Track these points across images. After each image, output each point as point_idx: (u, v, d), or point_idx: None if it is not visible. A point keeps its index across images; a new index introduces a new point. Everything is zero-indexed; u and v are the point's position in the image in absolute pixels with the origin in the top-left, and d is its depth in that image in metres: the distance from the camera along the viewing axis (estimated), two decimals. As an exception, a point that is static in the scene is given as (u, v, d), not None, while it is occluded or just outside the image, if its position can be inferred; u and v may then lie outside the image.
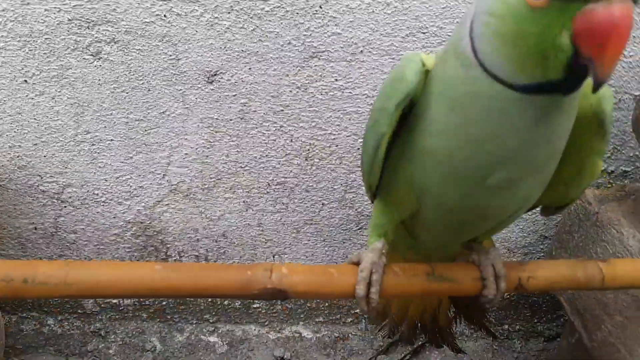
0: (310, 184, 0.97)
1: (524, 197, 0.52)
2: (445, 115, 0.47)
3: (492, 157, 0.46)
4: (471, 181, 0.49)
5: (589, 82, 0.52)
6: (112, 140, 0.92)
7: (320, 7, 0.84)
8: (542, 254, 1.05)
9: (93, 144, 0.93)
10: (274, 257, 1.05)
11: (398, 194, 0.56)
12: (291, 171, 0.96)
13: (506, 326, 1.15)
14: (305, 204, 0.99)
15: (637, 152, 0.94)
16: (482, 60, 0.43)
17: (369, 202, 0.91)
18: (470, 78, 0.44)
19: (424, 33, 0.86)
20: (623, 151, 0.95)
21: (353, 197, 0.99)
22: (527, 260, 0.64)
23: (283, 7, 0.83)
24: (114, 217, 1.00)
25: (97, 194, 0.97)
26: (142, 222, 1.00)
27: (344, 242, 1.04)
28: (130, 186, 0.97)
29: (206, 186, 0.97)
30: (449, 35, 0.85)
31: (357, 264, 0.59)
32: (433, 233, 0.60)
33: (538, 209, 0.63)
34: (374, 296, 0.58)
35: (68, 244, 1.03)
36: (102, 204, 0.98)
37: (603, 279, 0.65)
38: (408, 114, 0.53)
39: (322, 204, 0.99)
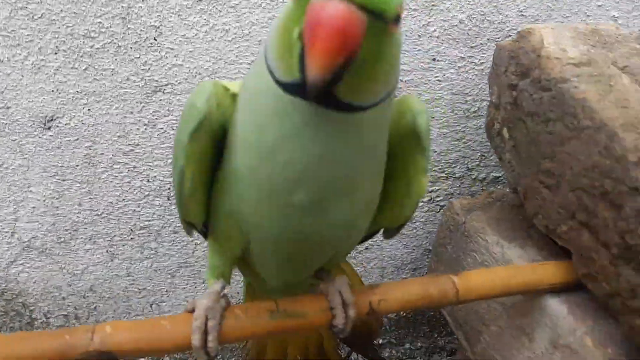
0: (178, 225, 0.92)
1: (343, 221, 0.49)
2: (247, 128, 0.45)
3: (288, 172, 0.44)
4: (279, 201, 0.46)
5: (404, 99, 0.50)
6: (-53, 201, 0.84)
7: (155, 39, 0.79)
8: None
9: None
10: (151, 306, 0.98)
11: (225, 229, 0.53)
12: (154, 213, 0.90)
13: (407, 345, 1.12)
14: (176, 246, 0.93)
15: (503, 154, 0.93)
16: (267, 61, 0.41)
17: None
18: (261, 82, 0.42)
19: (270, 57, 0.82)
20: (490, 157, 0.94)
21: (226, 233, 0.94)
22: (379, 283, 0.61)
23: (114, 43, 0.78)
24: (-35, 285, 0.91)
25: (-59, 262, 0.89)
26: (-3, 287, 0.92)
27: (225, 281, 0.98)
28: (-23, 249, 0.88)
29: (62, 239, 0.89)
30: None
31: (193, 311, 0.54)
32: (271, 268, 0.56)
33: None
34: (211, 344, 0.53)
35: None
36: (-52, 271, 0.90)
37: (457, 293, 0.63)
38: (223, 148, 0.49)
39: (195, 244, 0.94)
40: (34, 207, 0.86)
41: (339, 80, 0.37)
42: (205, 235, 0.58)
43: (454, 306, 0.85)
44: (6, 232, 0.87)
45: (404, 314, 1.08)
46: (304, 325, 0.59)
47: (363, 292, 0.61)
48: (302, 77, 0.37)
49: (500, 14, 0.85)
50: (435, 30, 0.85)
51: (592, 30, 0.74)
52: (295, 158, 0.42)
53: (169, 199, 0.89)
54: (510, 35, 0.86)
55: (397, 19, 0.37)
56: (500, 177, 0.96)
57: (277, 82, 0.40)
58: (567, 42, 0.70)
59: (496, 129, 0.78)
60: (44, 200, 0.86)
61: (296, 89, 0.39)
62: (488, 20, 0.85)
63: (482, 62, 0.88)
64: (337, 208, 0.47)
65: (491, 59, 0.84)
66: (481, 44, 0.87)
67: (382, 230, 0.62)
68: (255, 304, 0.58)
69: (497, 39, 0.86)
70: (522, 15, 0.86)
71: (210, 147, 0.49)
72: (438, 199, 0.97)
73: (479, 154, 0.94)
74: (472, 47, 0.87)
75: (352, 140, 0.43)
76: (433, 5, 0.83)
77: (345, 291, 0.58)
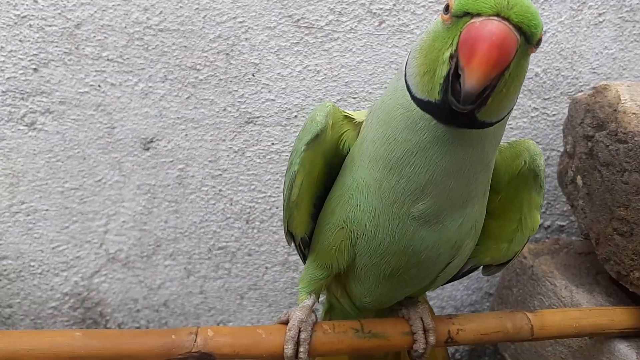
0: (253, 247, 0.97)
1: (452, 239, 0.53)
2: (375, 139, 0.50)
3: (413, 183, 0.48)
4: (402, 213, 0.50)
5: (520, 142, 0.55)
6: (47, 210, 0.91)
7: (253, 75, 0.86)
8: (488, 311, 1.05)
9: (28, 215, 0.91)
10: (218, 325, 1.02)
11: (333, 242, 0.56)
12: (232, 235, 0.96)
13: (460, 388, 1.13)
14: (248, 268, 0.98)
15: (569, 206, 0.96)
16: (407, 77, 0.47)
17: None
18: (396, 97, 0.47)
19: (354, 98, 0.89)
20: (557, 206, 0.97)
21: (297, 259, 0.99)
22: (457, 314, 0.65)
23: (216, 76, 0.86)
24: (51, 290, 0.97)
25: (33, 266, 0.95)
26: (79, 294, 0.98)
27: (290, 306, 1.02)
28: (67, 257, 0.95)
29: (145, 254, 0.95)
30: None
31: (287, 322, 0.59)
32: (369, 284, 0.59)
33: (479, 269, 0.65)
34: (302, 356, 0.57)
35: (3, 319, 0.99)
36: (38, 276, 0.96)
37: (532, 329, 0.66)
38: (336, 168, 0.55)
39: (266, 268, 0.99)
40: (123, 222, 0.93)
41: (485, 104, 0.42)
42: (301, 250, 0.63)
43: (517, 347, 0.87)
44: (95, 242, 0.94)
45: (467, 349, 1.09)
46: (386, 347, 0.63)
47: (442, 320, 0.64)
48: (442, 99, 0.42)
49: (574, 70, 0.90)
50: (510, 82, 0.90)
51: (666, 89, 0.78)
52: (422, 171, 0.47)
53: (247, 222, 0.95)
54: (582, 90, 0.91)
55: (538, 42, 0.42)
56: (564, 225, 0.99)
57: (413, 97, 0.45)
58: (644, 99, 0.74)
59: (570, 177, 0.82)
60: (134, 216, 0.93)
61: (431, 107, 0.44)
62: (562, 75, 0.90)
63: (554, 114, 0.92)
64: (450, 222, 0.51)
65: (563, 111, 0.89)
66: (554, 96, 0.91)
67: (482, 268, 0.65)
68: (341, 322, 0.62)
69: (570, 93, 0.91)
70: (595, 72, 0.91)
71: (321, 162, 0.55)
72: (501, 243, 1.00)
73: (546, 201, 0.97)
74: (545, 99, 0.91)
75: (474, 154, 0.48)
76: (511, 58, 0.88)
77: (426, 318, 0.62)
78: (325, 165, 0.56)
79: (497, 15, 0.40)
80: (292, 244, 0.62)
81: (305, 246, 0.62)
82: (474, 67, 0.39)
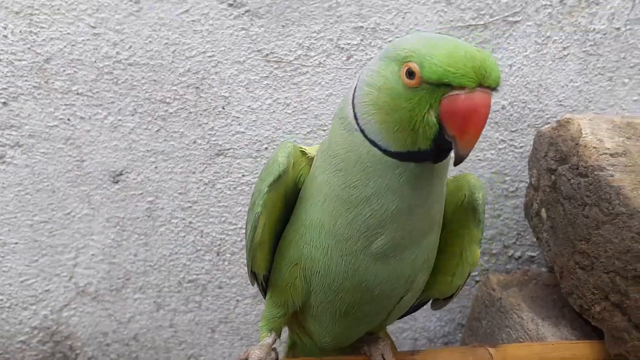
0: (224, 280, 0.97)
1: (406, 273, 0.54)
2: (330, 181, 0.50)
3: (374, 220, 0.49)
4: (356, 249, 0.51)
5: (461, 176, 0.56)
6: (16, 243, 0.91)
7: (223, 107, 0.87)
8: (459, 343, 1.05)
9: (-4, 248, 0.91)
10: (189, 359, 1.01)
11: (288, 279, 0.56)
12: (203, 268, 0.95)
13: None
14: (219, 301, 0.98)
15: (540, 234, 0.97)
16: (362, 126, 0.47)
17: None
18: (352, 142, 0.48)
19: (324, 130, 0.90)
20: (527, 237, 0.98)
21: (268, 292, 0.98)
22: (417, 349, 0.65)
23: (186, 109, 0.87)
24: (20, 324, 0.96)
25: (2, 300, 0.94)
26: (49, 328, 0.97)
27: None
28: (36, 290, 0.94)
29: (114, 287, 0.95)
30: (348, 131, 0.89)
31: (245, 360, 0.58)
32: (327, 322, 0.59)
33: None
34: (261, 395, 0.57)
35: (-30, 355, 0.98)
36: (6, 309, 0.95)
37: (494, 365, 0.66)
38: (294, 204, 0.55)
39: (237, 301, 0.98)
40: (93, 255, 0.93)
41: None
42: (264, 290, 0.63)
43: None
44: (64, 275, 0.93)
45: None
46: (345, 385, 0.62)
47: (404, 356, 0.64)
48: (432, 146, 0.44)
49: (540, 102, 0.92)
50: (478, 115, 0.91)
51: (627, 123, 0.80)
52: (385, 208, 0.48)
53: (218, 254, 0.94)
54: (549, 122, 0.92)
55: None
56: (535, 256, 0.99)
57: (384, 151, 0.46)
58: (604, 134, 0.75)
59: (535, 210, 0.83)
60: (103, 249, 0.92)
61: (412, 155, 0.46)
62: (529, 107, 0.92)
63: (521, 146, 0.93)
64: (407, 256, 0.52)
65: (530, 143, 0.90)
66: (521, 128, 0.93)
67: (430, 302, 0.66)
68: (302, 359, 0.62)
69: (537, 125, 0.92)
70: (561, 105, 0.92)
71: (281, 201, 0.55)
72: (474, 274, 1.00)
73: (516, 232, 0.98)
74: (512, 131, 0.92)
75: (426, 187, 0.49)
76: (477, 92, 0.90)
77: (387, 354, 0.62)
78: (284, 202, 0.57)
79: (480, 85, 0.42)
80: (255, 284, 0.62)
81: (267, 284, 0.62)
82: (467, 138, 0.42)
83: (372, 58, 0.86)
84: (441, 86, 0.42)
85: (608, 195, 0.68)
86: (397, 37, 0.86)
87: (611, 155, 0.71)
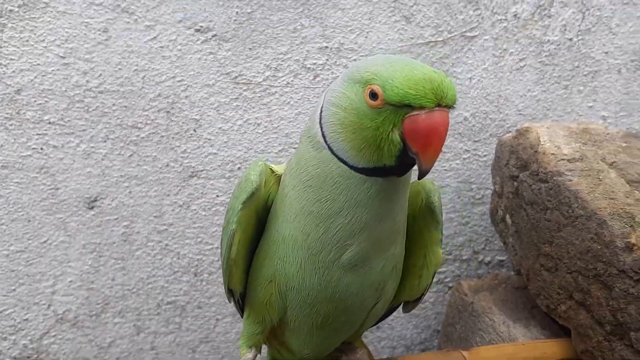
0: (202, 300, 0.98)
1: (376, 281, 0.56)
2: (301, 197, 0.52)
3: (344, 232, 0.51)
4: (328, 261, 0.53)
5: (417, 182, 0.59)
6: (-8, 274, 0.91)
7: (195, 130, 0.89)
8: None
9: (-28, 280, 0.91)
10: (172, 379, 1.02)
11: (264, 296, 0.58)
12: (181, 289, 0.96)
13: None
14: (199, 321, 0.99)
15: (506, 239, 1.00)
16: (330, 144, 0.50)
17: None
18: (321, 159, 0.51)
19: (294, 148, 0.92)
20: (495, 242, 1.01)
21: (247, 309, 0.99)
22: (394, 356, 0.67)
23: (158, 133, 0.88)
24: (-2, 354, 0.96)
25: (-21, 332, 0.94)
26: (29, 357, 0.96)
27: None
28: (15, 320, 0.94)
29: (94, 312, 0.95)
30: (318, 148, 0.92)
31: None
32: (303, 335, 0.61)
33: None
34: (244, 410, 0.58)
35: (-52, 389, 0.97)
36: (-16, 341, 0.95)
37: (467, 367, 0.68)
38: (265, 222, 0.57)
39: (217, 320, 0.99)
40: (71, 281, 0.93)
41: None
42: (240, 307, 0.64)
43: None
44: (43, 304, 0.94)
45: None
46: (325, 395, 0.64)
47: (381, 363, 0.66)
48: (397, 162, 0.47)
49: (501, 112, 0.95)
50: (442, 127, 0.94)
51: (583, 129, 0.84)
52: (354, 221, 0.51)
53: (195, 275, 0.96)
54: (510, 131, 0.96)
55: None
56: (504, 260, 1.03)
57: (352, 167, 0.49)
58: (561, 140, 0.79)
59: (500, 216, 0.86)
60: (81, 275, 0.93)
61: (378, 170, 0.48)
62: (490, 118, 0.95)
63: (485, 155, 0.97)
64: (376, 265, 0.54)
65: (492, 151, 0.93)
66: (484, 138, 0.96)
67: (402, 306, 0.68)
68: (280, 373, 0.64)
69: (499, 134, 0.96)
70: (521, 114, 0.96)
71: (254, 218, 0.57)
72: (446, 280, 1.03)
73: (484, 238, 1.01)
74: (475, 141, 0.96)
75: (392, 198, 0.52)
76: (441, 104, 0.93)
77: None
78: (257, 220, 0.59)
79: (438, 105, 0.45)
80: (232, 301, 0.63)
81: (243, 301, 0.63)
82: (429, 154, 0.45)
83: (337, 77, 0.89)
84: (403, 107, 0.45)
85: (567, 199, 0.71)
86: (361, 57, 0.89)
87: (568, 160, 0.75)
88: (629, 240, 0.62)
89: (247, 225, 0.57)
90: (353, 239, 0.52)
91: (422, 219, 0.60)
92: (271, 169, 0.58)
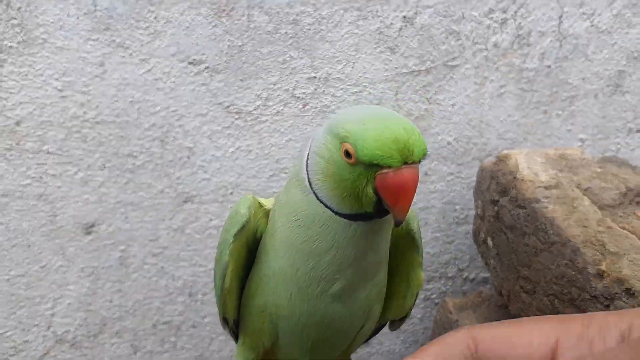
0: (197, 320, 1.01)
1: (363, 306, 0.60)
2: (290, 234, 0.56)
3: (332, 267, 0.54)
4: (316, 293, 0.56)
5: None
6: (-8, 298, 0.94)
7: (188, 157, 0.92)
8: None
9: (-27, 304, 0.94)
10: (168, 396, 1.05)
11: (256, 324, 0.61)
12: (176, 309, 1.00)
13: None
14: (194, 340, 1.02)
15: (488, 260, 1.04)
16: (315, 191, 0.53)
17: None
18: (309, 203, 0.54)
19: (285, 173, 0.96)
20: (479, 260, 1.05)
21: (240, 327, 1.03)
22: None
23: (153, 161, 0.91)
24: (-1, 375, 0.99)
25: (-20, 353, 0.97)
26: (28, 377, 0.99)
27: (237, 373, 1.06)
28: (15, 341, 0.97)
29: (91, 333, 0.98)
30: (308, 173, 0.96)
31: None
32: (295, 358, 0.65)
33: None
34: None
35: (-51, 409, 1.00)
36: (-15, 363, 0.98)
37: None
38: (255, 255, 0.61)
39: (211, 338, 1.03)
40: (69, 304, 0.96)
41: None
42: (235, 334, 0.68)
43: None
44: (42, 325, 0.97)
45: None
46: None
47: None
48: (375, 211, 0.50)
49: (483, 136, 1.00)
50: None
51: (560, 155, 0.88)
52: (341, 257, 0.54)
53: (190, 295, 0.99)
54: (492, 154, 1.00)
55: None
56: (488, 277, 1.07)
57: (337, 213, 0.52)
58: (538, 167, 0.83)
59: (482, 237, 0.90)
60: (79, 298, 0.96)
61: (360, 216, 0.51)
62: (472, 142, 0.99)
63: (468, 177, 1.01)
64: (363, 293, 0.58)
65: (475, 174, 0.97)
66: (467, 161, 1.00)
67: (388, 325, 0.72)
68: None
69: (481, 158, 1.00)
70: (502, 138, 1.00)
71: (244, 249, 0.61)
72: (433, 297, 1.07)
73: (469, 256, 1.05)
74: (459, 164, 1.00)
75: (376, 235, 0.55)
76: (425, 130, 0.97)
77: None
78: (247, 250, 0.62)
79: (405, 163, 0.47)
80: (226, 329, 0.67)
81: (237, 327, 0.67)
82: (400, 207, 0.48)
83: (326, 105, 0.93)
84: (373, 165, 0.48)
85: (544, 226, 0.75)
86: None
87: (545, 188, 0.79)
88: (600, 267, 0.66)
89: (239, 257, 0.60)
90: (340, 274, 0.55)
91: (403, 244, 0.64)
92: (259, 203, 0.61)
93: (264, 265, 0.59)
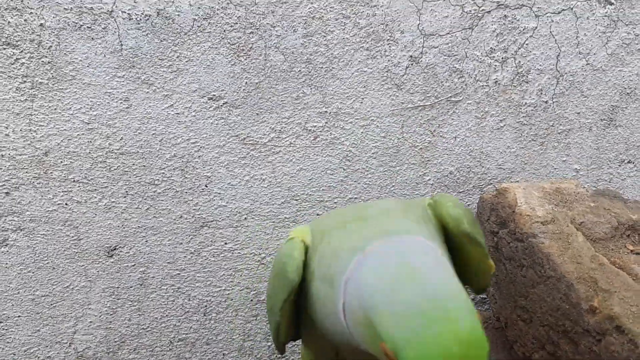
0: (210, 337, 1.07)
1: None
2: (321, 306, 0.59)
3: None
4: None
5: (440, 207, 0.64)
6: (19, 316, 0.99)
7: (206, 185, 0.98)
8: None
9: (0, 322, 0.99)
10: (181, 408, 1.11)
11: (318, 342, 0.67)
12: (191, 327, 1.05)
13: None
14: (207, 356, 1.08)
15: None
16: (350, 329, 0.53)
17: (267, 348, 1.02)
18: (343, 333, 0.56)
19: (296, 200, 1.01)
20: (477, 282, 1.11)
21: (251, 344, 1.09)
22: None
23: (173, 189, 0.97)
24: (22, 388, 1.04)
25: (4, 368, 1.02)
26: (50, 390, 1.05)
27: (247, 387, 1.12)
28: (38, 357, 1.02)
29: (111, 350, 1.04)
30: (318, 199, 1.01)
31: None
32: None
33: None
34: None
35: (-26, 420, 1.05)
36: (9, 376, 1.03)
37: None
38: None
39: (223, 355, 1.08)
40: (90, 322, 1.02)
41: None
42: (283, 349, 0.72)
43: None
44: (65, 342, 1.02)
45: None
46: None
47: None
48: None
49: (483, 167, 1.05)
50: (430, 179, 1.04)
51: (555, 189, 0.94)
52: None
53: (204, 314, 1.05)
54: (491, 183, 1.06)
55: None
56: (486, 298, 1.13)
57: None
58: (535, 202, 0.89)
59: (481, 266, 0.96)
60: (100, 316, 1.01)
61: None
62: (473, 171, 1.05)
63: (468, 204, 1.07)
64: None
65: (475, 201, 1.03)
66: (467, 190, 1.06)
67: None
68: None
69: (481, 186, 1.06)
70: (501, 168, 1.06)
71: (293, 298, 0.63)
72: (433, 317, 1.12)
73: (468, 279, 1.11)
74: (460, 192, 1.06)
75: None
76: (428, 160, 1.03)
77: None
78: (295, 294, 0.64)
79: None
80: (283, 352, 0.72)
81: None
82: None
83: (336, 137, 0.98)
84: None
85: (540, 260, 0.81)
86: (356, 119, 0.98)
87: (542, 223, 0.85)
88: (592, 303, 0.72)
89: (290, 309, 0.63)
90: None
91: (462, 241, 0.63)
92: (305, 245, 0.61)
93: (308, 318, 0.63)
